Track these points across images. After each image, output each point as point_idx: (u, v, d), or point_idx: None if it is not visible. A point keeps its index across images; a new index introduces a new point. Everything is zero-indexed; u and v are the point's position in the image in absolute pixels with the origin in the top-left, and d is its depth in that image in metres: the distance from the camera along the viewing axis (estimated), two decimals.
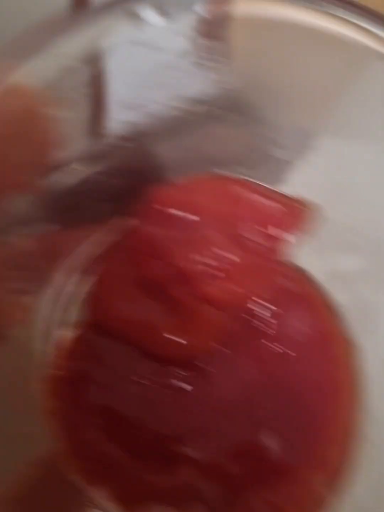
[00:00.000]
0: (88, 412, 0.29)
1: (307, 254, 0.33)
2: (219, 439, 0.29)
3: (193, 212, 0.31)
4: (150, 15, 0.25)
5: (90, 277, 0.32)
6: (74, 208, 0.31)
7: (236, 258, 0.29)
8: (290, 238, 0.31)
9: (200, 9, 0.25)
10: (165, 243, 0.29)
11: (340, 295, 0.32)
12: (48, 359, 0.31)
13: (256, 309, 0.32)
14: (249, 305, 0.30)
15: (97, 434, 0.30)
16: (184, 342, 0.30)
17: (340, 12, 0.24)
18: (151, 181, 0.31)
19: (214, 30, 0.26)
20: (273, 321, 0.32)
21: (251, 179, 0.32)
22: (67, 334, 0.32)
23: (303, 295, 0.33)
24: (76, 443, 0.29)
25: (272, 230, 0.31)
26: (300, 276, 0.34)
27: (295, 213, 0.32)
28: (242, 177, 0.32)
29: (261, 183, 0.33)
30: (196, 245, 0.30)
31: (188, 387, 0.30)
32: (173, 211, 0.30)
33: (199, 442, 0.29)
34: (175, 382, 0.30)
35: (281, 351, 0.31)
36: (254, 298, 0.30)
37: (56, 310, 0.33)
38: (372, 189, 0.29)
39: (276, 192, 0.33)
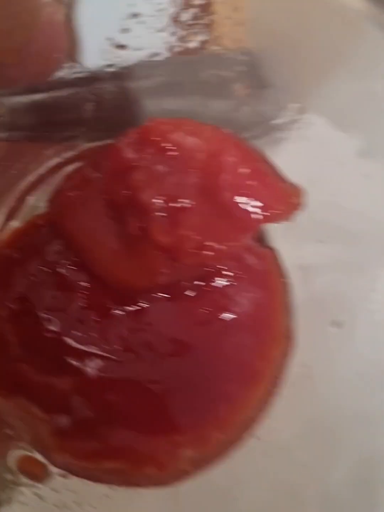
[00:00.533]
0: (6, 294, 0.30)
1: (281, 241, 0.31)
2: (116, 367, 0.29)
3: (180, 155, 0.30)
4: None
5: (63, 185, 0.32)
6: (48, 124, 0.31)
7: (195, 207, 0.28)
8: (270, 218, 0.30)
9: None
10: (134, 171, 0.29)
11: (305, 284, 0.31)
12: None
13: (211, 270, 0.31)
14: (194, 260, 0.29)
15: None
16: (125, 269, 0.30)
17: None
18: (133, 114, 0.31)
19: None
20: (219, 287, 0.31)
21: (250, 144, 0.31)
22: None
23: (263, 275, 0.32)
24: None
25: (251, 206, 0.30)
26: (267, 257, 0.32)
27: (280, 196, 0.31)
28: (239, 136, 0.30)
29: (259, 152, 0.32)
30: (164, 184, 0.29)
31: (116, 313, 0.30)
32: (164, 144, 0.30)
33: (95, 363, 0.29)
34: (104, 301, 0.30)
35: (216, 318, 0.31)
36: (201, 254, 0.29)
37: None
38: (349, 182, 0.28)
39: (274, 169, 0.32)
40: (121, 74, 0.31)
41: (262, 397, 0.29)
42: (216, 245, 0.29)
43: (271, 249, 0.33)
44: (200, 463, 0.28)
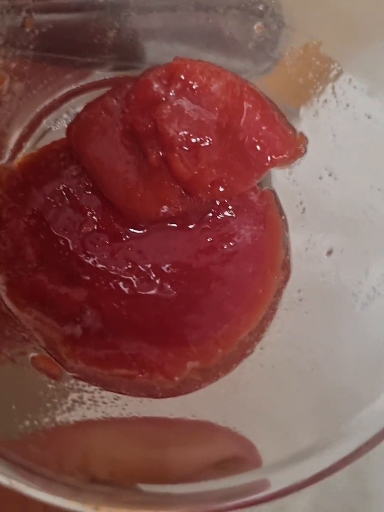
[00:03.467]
0: (23, 211, 0.34)
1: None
2: (126, 285, 0.34)
3: (204, 94, 0.34)
4: None
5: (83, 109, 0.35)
6: (71, 47, 0.34)
7: (214, 144, 0.33)
8: (275, 163, 0.35)
9: None
10: (161, 104, 0.32)
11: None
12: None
13: (217, 204, 0.36)
14: (209, 196, 0.34)
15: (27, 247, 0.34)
16: (138, 198, 0.34)
17: None
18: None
19: None
20: (224, 220, 0.36)
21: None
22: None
23: (263, 212, 0.37)
24: (10, 271, 0.34)
25: (262, 149, 0.35)
26: (268, 196, 0.37)
27: (288, 142, 0.36)
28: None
29: (272, 101, 0.36)
30: (188, 120, 0.33)
31: (126, 237, 0.35)
32: (191, 83, 0.33)
33: (106, 279, 0.34)
34: (116, 225, 0.34)
35: (220, 247, 0.36)
36: (216, 189, 0.33)
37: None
38: (354, 172, 0.33)
39: (283, 117, 0.37)
40: (144, 6, 0.34)
41: (261, 319, 0.35)
42: (230, 183, 0.34)
43: (270, 190, 0.38)
44: (206, 375, 0.34)
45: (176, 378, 0.33)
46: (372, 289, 0.32)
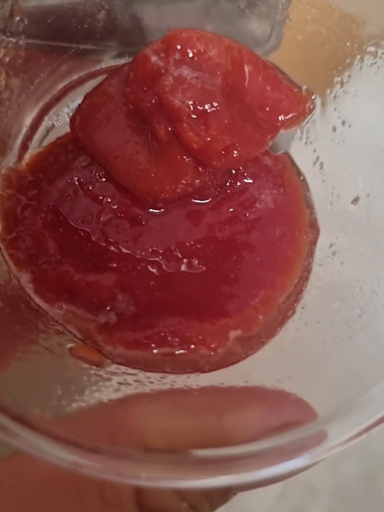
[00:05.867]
0: (39, 207, 0.34)
1: None
2: (154, 266, 0.34)
3: (204, 61, 0.35)
4: None
5: (84, 99, 0.36)
6: (63, 33, 0.36)
7: (222, 109, 0.34)
8: (286, 123, 0.36)
9: None
10: (163, 76, 0.33)
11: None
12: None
13: (233, 175, 0.37)
14: (224, 163, 0.34)
15: (49, 245, 0.35)
16: (151, 178, 0.35)
17: None
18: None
19: None
20: (243, 188, 0.37)
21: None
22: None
23: (280, 175, 0.38)
24: (34, 268, 0.34)
25: (271, 110, 0.35)
26: (282, 159, 0.38)
27: (296, 100, 0.37)
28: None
29: (273, 64, 0.37)
30: (191, 88, 0.34)
31: (145, 220, 0.35)
32: (189, 51, 0.34)
33: (134, 263, 0.34)
34: (134, 209, 0.35)
35: (244, 215, 0.36)
36: (231, 154, 0.34)
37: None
38: (369, 115, 0.34)
39: (284, 75, 0.38)
40: None
41: (297, 281, 0.35)
42: (244, 147, 0.34)
43: (284, 154, 0.38)
44: (250, 343, 0.34)
45: (220, 350, 0.33)
46: None
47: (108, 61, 0.38)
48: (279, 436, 0.26)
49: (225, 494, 0.29)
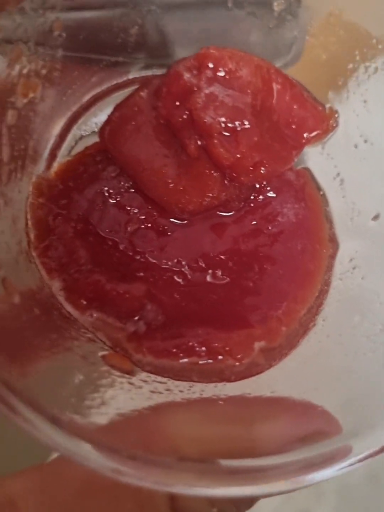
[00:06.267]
0: (69, 217, 0.36)
1: None
2: (181, 277, 0.36)
3: (234, 79, 0.36)
4: None
5: (114, 110, 0.38)
6: (97, 45, 0.37)
7: (252, 126, 0.35)
8: (310, 140, 0.37)
9: None
10: (195, 93, 0.35)
11: None
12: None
13: (257, 189, 0.39)
14: (251, 179, 0.36)
15: (80, 253, 0.36)
16: (179, 191, 0.36)
17: None
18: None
19: None
20: (266, 202, 0.38)
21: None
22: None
23: (302, 189, 0.39)
24: (65, 276, 0.36)
25: (297, 127, 0.37)
26: (304, 174, 0.40)
27: (320, 118, 0.38)
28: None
29: (297, 80, 0.39)
30: (222, 106, 0.35)
31: (171, 230, 0.37)
32: (220, 69, 0.36)
33: (162, 274, 0.36)
34: (160, 220, 0.37)
35: (266, 228, 0.38)
36: (258, 170, 0.36)
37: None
38: None
39: (309, 93, 0.39)
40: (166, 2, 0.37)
41: (318, 294, 0.37)
42: (271, 163, 0.36)
43: (305, 169, 0.40)
44: (273, 354, 0.36)
45: (245, 360, 0.34)
46: None
47: (135, 73, 0.39)
48: (305, 449, 0.28)
49: (251, 500, 0.31)
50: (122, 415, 0.30)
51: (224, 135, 0.35)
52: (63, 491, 0.29)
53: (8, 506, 0.28)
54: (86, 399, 0.30)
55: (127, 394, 0.31)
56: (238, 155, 0.35)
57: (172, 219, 0.38)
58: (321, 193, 0.40)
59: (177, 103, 0.35)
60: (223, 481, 0.27)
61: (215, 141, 0.35)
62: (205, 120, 0.35)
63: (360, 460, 0.27)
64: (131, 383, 0.32)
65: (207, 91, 0.35)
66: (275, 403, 0.32)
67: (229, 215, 0.38)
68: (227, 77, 0.35)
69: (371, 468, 0.59)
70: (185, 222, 0.38)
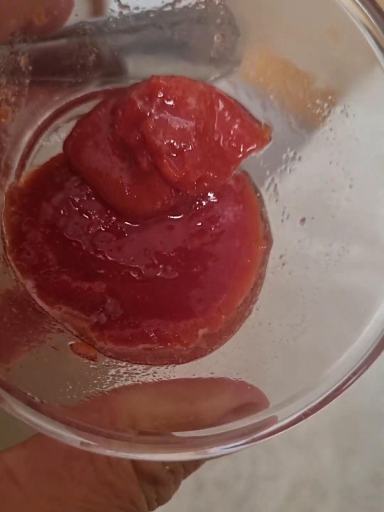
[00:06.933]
0: (38, 222, 0.42)
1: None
2: (137, 273, 0.43)
3: (181, 106, 0.42)
4: None
5: (76, 127, 0.44)
6: (58, 69, 0.43)
7: (196, 147, 0.42)
8: (247, 154, 0.44)
9: None
10: (147, 119, 0.41)
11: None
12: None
13: (201, 196, 0.46)
14: (195, 191, 0.43)
15: (48, 255, 0.43)
16: (134, 199, 0.43)
17: None
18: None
19: None
20: (209, 206, 0.45)
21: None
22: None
23: (240, 193, 0.46)
24: (37, 276, 0.43)
25: (236, 144, 0.44)
26: (242, 178, 0.47)
27: (256, 134, 0.45)
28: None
29: (237, 101, 0.45)
30: (170, 130, 0.42)
31: (128, 233, 0.44)
32: (169, 97, 0.42)
33: (120, 271, 0.43)
34: (118, 224, 0.44)
35: (209, 229, 0.45)
36: (202, 184, 0.42)
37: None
38: (315, 150, 0.42)
39: (246, 111, 0.46)
40: (118, 29, 0.43)
41: (253, 286, 0.45)
42: (212, 178, 0.43)
43: (244, 173, 0.47)
44: (214, 339, 0.43)
45: (191, 345, 0.42)
46: (341, 248, 0.41)
47: (93, 89, 0.46)
48: (239, 421, 0.36)
49: (197, 462, 0.40)
50: (89, 396, 0.37)
51: (172, 155, 0.41)
52: (50, 459, 0.37)
53: (7, 475, 0.35)
54: (58, 385, 0.37)
55: (94, 380, 0.39)
56: (184, 173, 0.41)
57: (128, 223, 0.44)
58: (258, 195, 0.47)
59: (131, 126, 0.41)
60: (174, 449, 0.35)
61: (164, 161, 0.41)
62: (156, 143, 0.41)
63: (282, 427, 0.36)
64: (96, 369, 0.40)
65: (157, 117, 0.41)
66: (214, 382, 0.40)
67: (178, 218, 0.45)
68: (174, 105, 0.41)
69: (375, 468, 0.63)
70: (140, 225, 0.45)
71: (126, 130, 0.42)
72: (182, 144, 0.41)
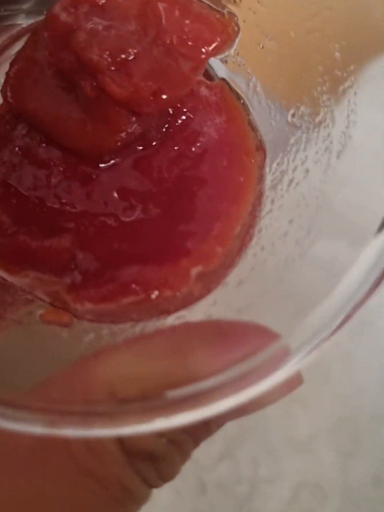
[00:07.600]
0: None
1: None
2: (111, 219, 0.36)
3: (113, 8, 0.35)
4: None
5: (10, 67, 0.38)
6: None
7: (141, 54, 0.34)
8: (211, 53, 0.36)
9: None
10: (75, 33, 0.34)
11: None
12: None
13: (172, 114, 0.38)
14: (154, 107, 0.35)
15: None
16: (90, 134, 0.36)
17: None
18: None
19: None
20: (184, 124, 0.38)
21: None
22: None
23: (219, 103, 0.39)
24: None
25: (193, 43, 0.36)
26: (219, 87, 0.39)
27: (218, 27, 0.37)
28: None
29: None
30: (106, 40, 0.35)
31: (94, 174, 0.37)
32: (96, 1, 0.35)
33: (90, 220, 0.36)
34: (81, 167, 0.37)
35: (190, 151, 0.38)
36: (159, 98, 0.35)
37: None
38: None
39: (202, 2, 0.38)
40: None
41: (251, 208, 0.37)
42: (171, 87, 0.35)
43: (222, 80, 0.39)
44: (212, 277, 0.36)
45: (183, 289, 0.35)
46: (341, 134, 0.33)
47: (23, 21, 0.39)
48: (243, 364, 0.29)
49: (206, 426, 0.32)
50: (58, 372, 0.31)
51: (113, 70, 0.34)
52: (17, 450, 0.31)
53: None
54: (22, 365, 0.31)
55: (67, 351, 0.33)
56: (132, 89, 0.34)
57: (93, 164, 0.38)
58: (242, 102, 0.39)
59: (63, 47, 0.35)
60: (166, 413, 0.28)
61: (106, 78, 0.34)
62: (92, 59, 0.34)
63: (299, 360, 0.28)
64: (71, 337, 0.34)
65: (87, 28, 0.34)
66: (212, 326, 0.33)
67: (151, 147, 0.38)
68: (104, 6, 0.34)
69: (377, 470, 0.62)
70: (107, 164, 0.38)
71: (57, 53, 0.35)
72: (123, 54, 0.34)
